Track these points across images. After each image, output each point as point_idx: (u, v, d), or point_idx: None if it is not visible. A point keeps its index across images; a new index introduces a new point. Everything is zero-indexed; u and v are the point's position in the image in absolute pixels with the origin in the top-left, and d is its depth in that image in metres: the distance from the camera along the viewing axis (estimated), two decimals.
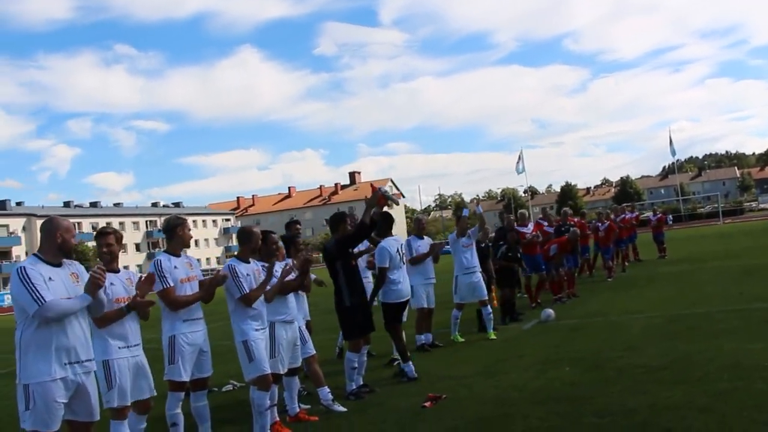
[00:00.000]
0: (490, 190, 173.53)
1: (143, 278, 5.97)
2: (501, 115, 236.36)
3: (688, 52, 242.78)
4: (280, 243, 8.53)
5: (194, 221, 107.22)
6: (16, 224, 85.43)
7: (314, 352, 8.12)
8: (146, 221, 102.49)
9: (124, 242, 6.80)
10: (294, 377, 7.58)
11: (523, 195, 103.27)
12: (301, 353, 7.72)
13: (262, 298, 6.87)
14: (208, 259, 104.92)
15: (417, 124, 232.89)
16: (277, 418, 7.11)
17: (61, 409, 5.00)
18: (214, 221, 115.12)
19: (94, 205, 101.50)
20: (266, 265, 7.13)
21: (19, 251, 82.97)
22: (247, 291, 6.71)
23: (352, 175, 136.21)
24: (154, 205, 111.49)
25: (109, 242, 5.89)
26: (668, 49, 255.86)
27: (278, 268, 7.83)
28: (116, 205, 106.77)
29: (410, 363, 8.99)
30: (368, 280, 10.13)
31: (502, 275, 13.65)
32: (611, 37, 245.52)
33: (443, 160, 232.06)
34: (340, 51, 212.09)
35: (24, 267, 5.02)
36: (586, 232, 18.52)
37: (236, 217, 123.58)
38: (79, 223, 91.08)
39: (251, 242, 6.96)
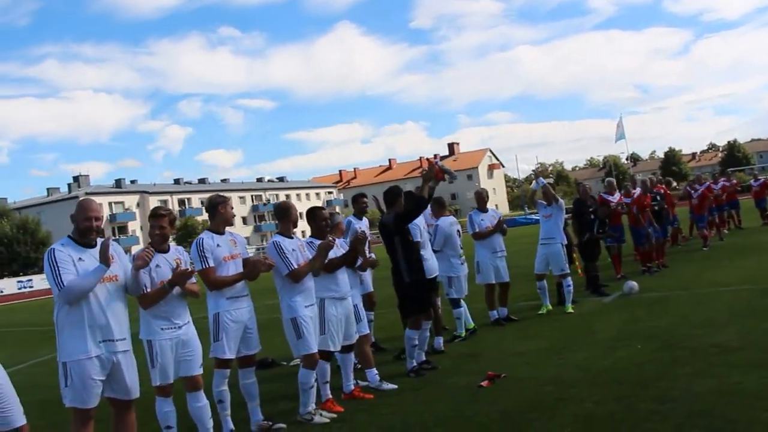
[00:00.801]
0: (591, 157, 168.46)
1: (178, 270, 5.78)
2: (601, 81, 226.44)
3: None
4: (340, 218, 8.30)
5: (297, 195, 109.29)
6: (131, 201, 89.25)
7: (367, 331, 7.91)
8: (252, 196, 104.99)
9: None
10: (349, 354, 7.38)
11: (625, 162, 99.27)
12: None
13: (310, 274, 6.70)
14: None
15: (516, 94, 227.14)
16: (330, 395, 6.95)
17: (98, 386, 5.01)
18: (317, 194, 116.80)
19: (202, 181, 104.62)
20: (313, 241, 6.94)
21: (134, 226, 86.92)
22: (295, 266, 6.53)
23: (450, 146, 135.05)
24: (260, 180, 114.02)
25: (162, 225, 5.85)
26: None
27: (341, 243, 7.65)
28: (223, 181, 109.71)
29: (440, 337, 9.12)
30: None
31: (588, 248, 12.91)
32: None
33: (543, 128, 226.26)
34: (436, 23, 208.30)
35: (53, 249, 5.03)
36: (672, 201, 17.46)
37: (338, 189, 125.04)
38: (188, 199, 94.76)
39: (289, 216, 6.78)
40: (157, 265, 5.71)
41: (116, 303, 5.12)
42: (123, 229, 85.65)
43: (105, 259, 4.99)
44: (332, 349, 7.02)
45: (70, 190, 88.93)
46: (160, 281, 5.65)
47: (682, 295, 11.05)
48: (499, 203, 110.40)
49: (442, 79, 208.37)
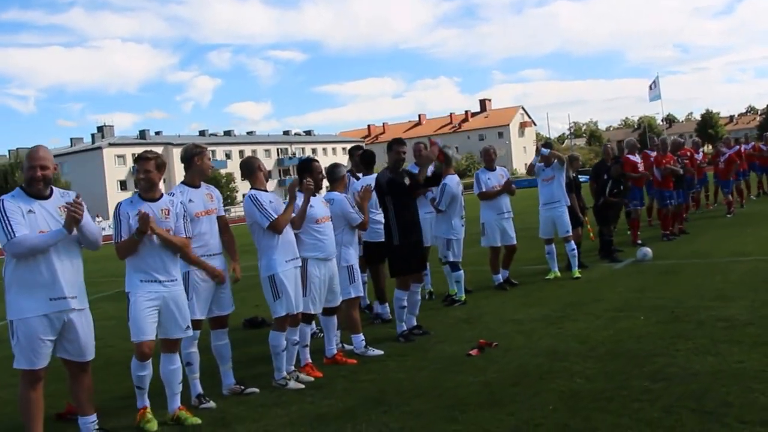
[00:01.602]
0: (626, 117, 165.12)
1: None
2: (640, 39, 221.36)
3: None
4: (343, 172, 7.84)
5: (324, 149, 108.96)
6: None
7: (360, 294, 7.60)
8: (277, 149, 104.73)
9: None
10: (332, 317, 7.06)
11: (660, 123, 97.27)
12: (344, 293, 7.18)
13: (290, 227, 6.38)
14: None
15: (552, 50, 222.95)
16: (309, 360, 6.69)
17: (47, 347, 4.79)
18: (344, 148, 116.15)
19: (227, 133, 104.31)
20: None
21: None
22: (275, 216, 6.18)
23: (482, 102, 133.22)
24: (286, 133, 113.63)
25: (147, 169, 5.47)
26: None
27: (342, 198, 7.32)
28: (249, 133, 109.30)
29: (386, 305, 8.75)
30: (430, 213, 9.35)
31: (602, 211, 12.45)
32: None
33: (578, 87, 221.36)
34: None
35: (2, 200, 4.77)
36: (697, 164, 16.79)
37: (366, 144, 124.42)
38: (213, 151, 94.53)
39: (254, 171, 6.40)
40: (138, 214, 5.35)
41: (68, 258, 4.84)
42: None
43: (69, 225, 4.71)
44: (313, 312, 6.73)
45: (93, 141, 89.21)
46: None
47: (698, 264, 10.59)
48: (529, 161, 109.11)
49: (476, 34, 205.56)
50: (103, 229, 22.32)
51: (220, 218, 6.16)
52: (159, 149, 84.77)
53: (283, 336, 6.26)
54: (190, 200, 5.94)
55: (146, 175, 5.50)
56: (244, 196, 6.51)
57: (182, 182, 6.15)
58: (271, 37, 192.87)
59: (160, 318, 5.43)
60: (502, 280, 10.25)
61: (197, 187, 6.11)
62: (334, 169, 7.60)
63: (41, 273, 4.73)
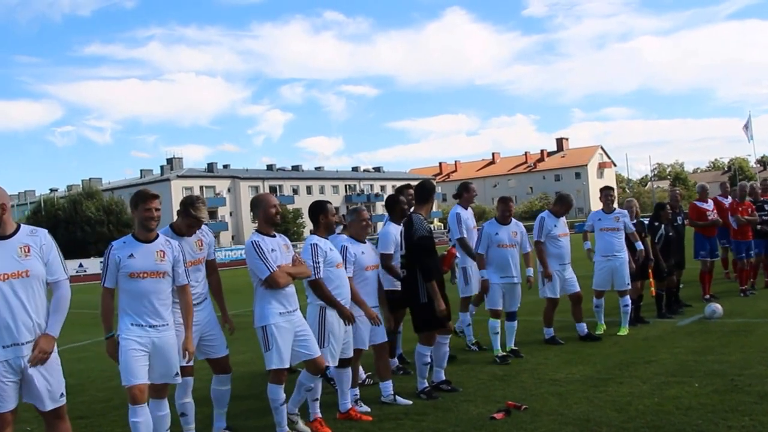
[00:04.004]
0: (715, 159, 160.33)
1: None
2: (732, 75, 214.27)
3: None
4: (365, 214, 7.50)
5: (393, 186, 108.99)
6: (222, 186, 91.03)
7: (384, 339, 7.20)
8: (346, 185, 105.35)
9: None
10: (346, 369, 6.69)
11: (754, 166, 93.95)
12: (370, 339, 6.90)
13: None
14: None
15: (636, 88, 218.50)
16: (319, 414, 6.34)
17: (10, 388, 4.54)
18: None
19: (296, 168, 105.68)
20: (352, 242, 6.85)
21: (224, 212, 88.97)
22: (275, 268, 5.90)
23: (559, 141, 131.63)
24: (355, 169, 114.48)
25: (156, 207, 5.35)
26: None
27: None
28: (317, 168, 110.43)
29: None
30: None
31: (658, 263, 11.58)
32: None
33: (663, 126, 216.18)
34: (550, 11, 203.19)
35: None
36: None
37: (437, 183, 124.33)
38: (280, 186, 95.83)
39: (261, 209, 6.10)
40: (131, 255, 5.25)
41: (23, 302, 4.61)
42: (213, 215, 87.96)
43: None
44: (330, 364, 6.40)
45: (162, 173, 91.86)
46: (129, 273, 5.22)
47: None
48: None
49: (555, 70, 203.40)
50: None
51: (209, 262, 6.19)
52: (226, 182, 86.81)
53: (281, 389, 5.95)
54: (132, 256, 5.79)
55: (155, 213, 5.33)
56: (311, 232, 6.55)
57: (170, 226, 6.03)
58: (344, 71, 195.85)
59: (152, 363, 5.24)
60: (554, 334, 9.70)
61: (185, 235, 6.02)
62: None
63: None
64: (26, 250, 4.64)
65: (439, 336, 7.38)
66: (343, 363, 6.64)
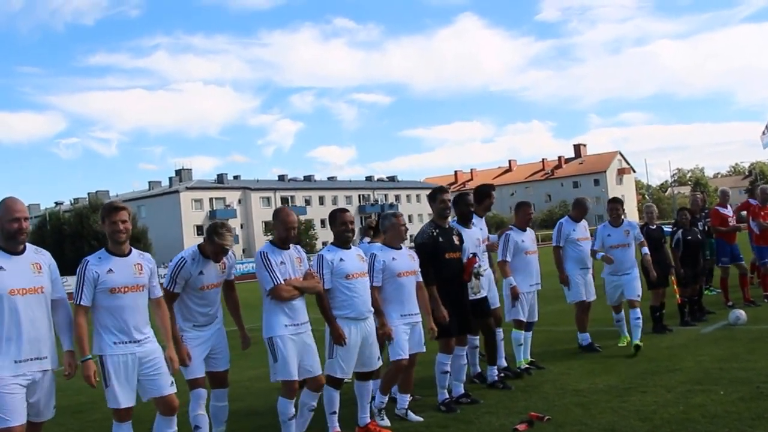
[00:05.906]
0: (736, 164, 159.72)
1: None
2: (752, 79, 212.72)
3: None
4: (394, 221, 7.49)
5: (408, 195, 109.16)
6: (233, 197, 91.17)
7: (421, 350, 7.15)
8: (359, 195, 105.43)
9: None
10: (366, 383, 6.74)
11: None
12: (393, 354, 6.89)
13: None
14: None
15: (653, 92, 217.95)
16: (337, 428, 6.42)
17: (21, 404, 4.72)
18: (428, 196, 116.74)
19: (307, 178, 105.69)
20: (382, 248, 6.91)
21: (234, 223, 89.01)
22: (281, 281, 6.02)
23: (577, 147, 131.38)
24: (368, 179, 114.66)
25: (123, 219, 5.28)
26: None
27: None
28: (330, 179, 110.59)
29: (494, 368, 8.24)
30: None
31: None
32: None
33: (682, 131, 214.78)
34: (564, 15, 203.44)
35: None
36: None
37: (452, 192, 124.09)
38: (292, 197, 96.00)
39: (278, 227, 6.25)
40: (110, 270, 5.22)
41: (42, 317, 4.85)
42: None
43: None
44: (340, 376, 6.45)
45: (171, 184, 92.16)
46: (111, 288, 5.18)
47: None
48: (628, 211, 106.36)
49: (571, 75, 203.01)
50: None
51: (227, 282, 6.40)
52: (237, 194, 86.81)
53: (290, 403, 6.06)
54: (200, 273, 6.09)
55: (123, 225, 5.29)
56: (323, 244, 6.63)
57: (197, 247, 6.23)
58: (355, 79, 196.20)
59: (141, 380, 5.28)
60: (591, 341, 9.78)
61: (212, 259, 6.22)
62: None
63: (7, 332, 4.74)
64: (38, 268, 4.86)
65: (456, 347, 7.45)
66: (365, 376, 6.69)
